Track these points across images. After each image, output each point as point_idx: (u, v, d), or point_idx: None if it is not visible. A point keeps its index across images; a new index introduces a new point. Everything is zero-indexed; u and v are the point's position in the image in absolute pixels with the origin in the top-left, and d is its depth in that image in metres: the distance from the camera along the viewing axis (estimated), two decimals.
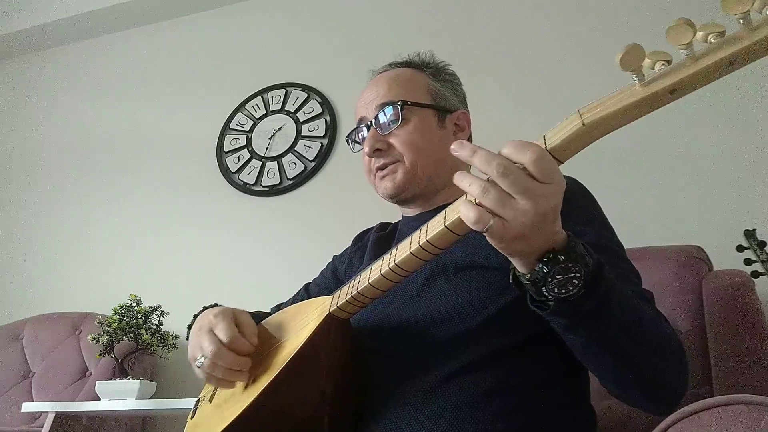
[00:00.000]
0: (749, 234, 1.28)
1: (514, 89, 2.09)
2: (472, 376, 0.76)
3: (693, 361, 1.14)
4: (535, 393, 0.76)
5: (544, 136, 0.54)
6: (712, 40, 0.45)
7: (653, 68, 0.47)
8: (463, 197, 0.57)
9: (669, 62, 0.47)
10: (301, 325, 0.82)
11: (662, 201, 1.77)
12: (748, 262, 1.24)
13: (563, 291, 0.56)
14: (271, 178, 2.36)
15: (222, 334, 0.80)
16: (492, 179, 0.51)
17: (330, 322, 0.78)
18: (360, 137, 1.03)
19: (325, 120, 2.39)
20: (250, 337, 0.82)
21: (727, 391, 1.03)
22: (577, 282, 0.56)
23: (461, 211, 0.54)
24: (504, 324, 0.77)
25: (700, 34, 0.45)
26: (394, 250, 0.69)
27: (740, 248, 1.27)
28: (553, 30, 2.13)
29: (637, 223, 1.72)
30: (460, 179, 0.55)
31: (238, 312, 0.87)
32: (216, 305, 0.95)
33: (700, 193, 1.74)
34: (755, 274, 1.22)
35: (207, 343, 0.80)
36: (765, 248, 1.24)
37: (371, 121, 0.98)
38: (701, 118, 1.80)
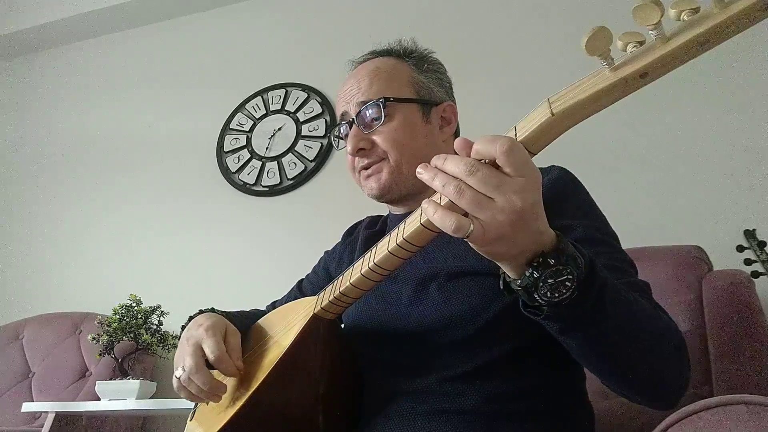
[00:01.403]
0: (749, 234, 1.28)
1: (509, 82, 2.09)
2: (468, 384, 0.75)
3: (693, 361, 1.14)
4: (532, 397, 0.75)
5: (515, 128, 0.52)
6: (685, 17, 0.42)
7: (626, 50, 0.45)
8: (435, 197, 0.54)
9: (642, 44, 0.44)
10: (289, 326, 0.82)
11: (662, 201, 1.77)
12: (748, 262, 1.24)
13: (556, 295, 0.53)
14: (271, 178, 2.36)
15: (209, 350, 0.80)
16: (462, 179, 0.49)
17: (315, 322, 0.78)
18: (342, 133, 0.99)
19: (325, 120, 2.39)
20: (236, 360, 0.81)
21: (727, 391, 1.03)
22: (569, 285, 0.53)
23: (436, 219, 0.51)
24: (499, 332, 0.76)
25: (673, 12, 0.42)
26: (373, 249, 0.67)
27: (740, 248, 1.27)
28: (544, 20, 2.13)
29: (637, 223, 1.72)
30: (430, 176, 0.51)
31: (230, 331, 0.86)
32: (213, 310, 0.95)
33: (700, 193, 1.74)
34: (755, 274, 1.22)
35: (189, 359, 0.80)
36: (765, 248, 1.24)
37: (353, 119, 0.94)
38: (701, 117, 1.80)
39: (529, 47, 2.14)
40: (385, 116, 0.92)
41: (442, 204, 0.51)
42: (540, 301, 0.55)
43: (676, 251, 1.34)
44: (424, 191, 0.94)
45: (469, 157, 0.50)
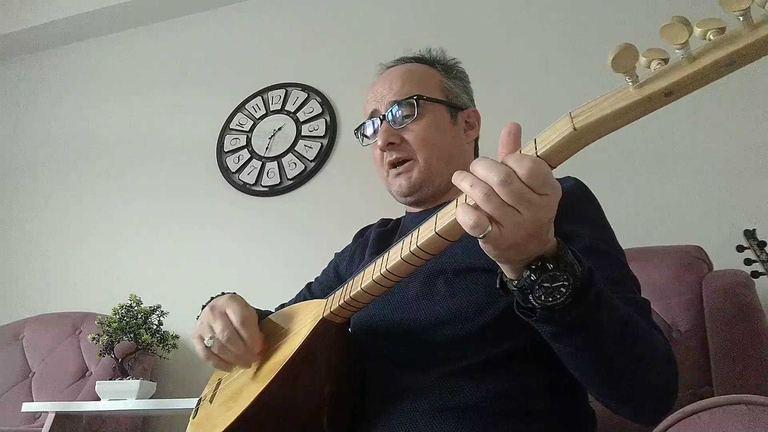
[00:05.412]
0: (749, 234, 1.28)
1: (516, 87, 2.09)
2: (470, 379, 0.75)
3: (693, 361, 1.15)
4: (533, 397, 0.75)
5: (535, 140, 0.52)
6: (711, 37, 0.42)
7: (649, 67, 0.44)
8: (458, 200, 0.55)
9: (666, 61, 0.44)
10: (297, 328, 0.82)
11: (662, 201, 1.77)
12: (748, 262, 1.24)
13: (550, 299, 0.55)
14: (271, 178, 2.36)
15: (234, 315, 0.81)
16: (492, 186, 0.50)
17: (324, 326, 0.77)
18: (370, 130, 1.02)
19: (325, 120, 2.38)
20: (257, 330, 0.83)
21: (727, 391, 1.03)
22: (564, 290, 0.55)
23: (458, 215, 0.52)
24: (504, 328, 0.77)
25: (698, 31, 0.42)
26: (386, 254, 0.68)
27: (740, 248, 1.27)
28: (555, 25, 2.13)
29: (637, 223, 1.72)
30: (460, 179, 0.52)
31: (248, 308, 0.87)
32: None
33: (700, 193, 1.74)
34: (755, 274, 1.22)
35: (220, 326, 0.80)
36: (765, 248, 1.24)
37: (384, 115, 0.97)
38: (701, 118, 1.80)
39: (541, 52, 2.13)
40: (416, 114, 0.95)
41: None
42: (534, 303, 0.56)
43: (676, 251, 1.34)
44: (449, 191, 0.97)
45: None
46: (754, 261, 1.24)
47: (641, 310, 0.73)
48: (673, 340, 1.21)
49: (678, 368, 0.71)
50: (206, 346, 0.81)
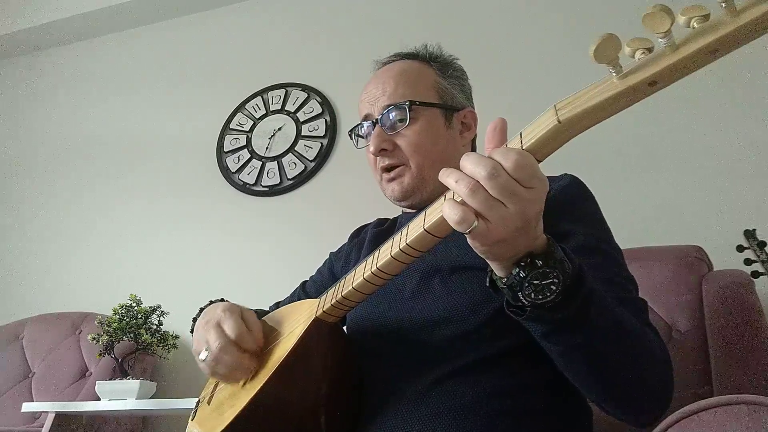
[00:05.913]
0: (749, 234, 1.28)
1: (515, 86, 2.09)
2: (466, 379, 0.75)
3: (693, 361, 1.15)
4: (530, 395, 0.75)
5: (521, 134, 0.51)
6: (695, 24, 0.41)
7: (633, 57, 0.44)
8: (445, 196, 0.55)
9: (650, 50, 0.43)
10: (291, 329, 0.82)
11: (662, 201, 1.77)
12: (748, 262, 1.24)
13: (540, 297, 0.54)
14: (271, 178, 2.36)
15: (229, 329, 0.80)
16: (479, 181, 0.49)
17: (317, 326, 0.77)
18: (364, 132, 1.01)
19: (325, 120, 2.38)
20: (256, 335, 0.81)
21: (727, 391, 1.03)
22: (554, 288, 0.54)
23: (444, 211, 0.51)
24: (500, 326, 0.76)
25: (682, 19, 0.41)
26: (376, 253, 0.67)
27: (740, 248, 1.27)
28: (555, 25, 2.12)
29: (637, 223, 1.72)
30: (446, 175, 0.52)
31: (245, 310, 0.86)
32: (223, 300, 0.95)
33: (700, 193, 1.74)
34: (755, 274, 1.22)
35: (214, 338, 0.80)
36: (765, 248, 1.24)
37: (377, 119, 0.96)
38: (701, 117, 1.80)
39: (533, 49, 2.14)
40: (409, 119, 0.94)
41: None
42: (524, 301, 0.56)
43: (676, 251, 1.34)
44: (442, 195, 0.95)
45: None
46: (754, 261, 1.23)
47: (637, 310, 0.72)
48: (672, 340, 1.21)
49: (673, 369, 0.71)
50: (201, 360, 0.81)
